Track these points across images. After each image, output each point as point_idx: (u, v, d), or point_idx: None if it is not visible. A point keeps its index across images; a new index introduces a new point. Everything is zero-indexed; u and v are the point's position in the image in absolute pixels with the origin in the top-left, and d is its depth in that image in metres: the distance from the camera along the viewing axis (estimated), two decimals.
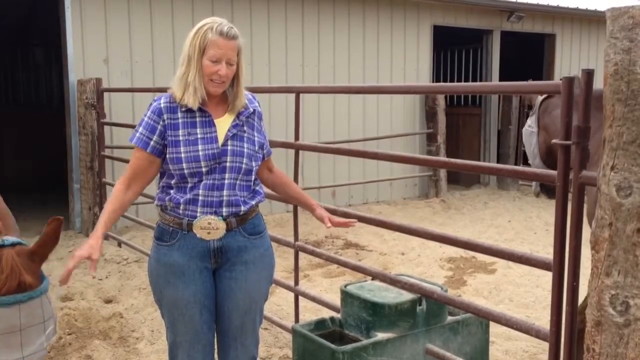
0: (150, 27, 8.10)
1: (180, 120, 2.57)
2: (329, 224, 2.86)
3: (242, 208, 2.62)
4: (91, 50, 7.73)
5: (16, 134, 10.92)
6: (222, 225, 2.58)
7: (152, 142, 2.56)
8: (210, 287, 2.66)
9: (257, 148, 2.68)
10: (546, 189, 4.36)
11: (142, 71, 8.06)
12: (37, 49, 13.74)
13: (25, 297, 2.01)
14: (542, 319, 4.83)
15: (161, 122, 2.56)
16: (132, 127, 7.16)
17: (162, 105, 2.58)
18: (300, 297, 4.35)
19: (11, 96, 13.69)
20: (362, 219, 3.68)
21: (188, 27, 9.07)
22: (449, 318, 3.38)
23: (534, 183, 4.50)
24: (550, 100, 4.12)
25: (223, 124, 2.61)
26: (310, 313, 4.94)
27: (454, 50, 12.19)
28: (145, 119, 2.59)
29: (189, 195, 2.56)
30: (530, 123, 4.25)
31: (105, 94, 7.34)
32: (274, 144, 4.07)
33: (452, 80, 12.19)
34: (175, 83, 2.58)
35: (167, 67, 8.15)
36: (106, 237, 7.10)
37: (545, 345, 2.56)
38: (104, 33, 7.80)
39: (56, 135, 9.51)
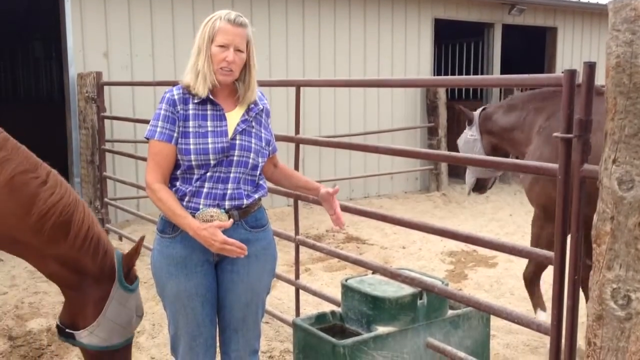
0: (150, 21, 8.08)
1: (191, 112, 2.57)
2: (333, 211, 2.83)
3: (245, 201, 2.63)
4: (91, 43, 7.71)
5: (16, 128, 10.90)
6: (224, 218, 2.57)
7: (175, 134, 2.56)
8: (212, 280, 2.66)
9: (263, 144, 2.70)
10: (478, 186, 4.90)
11: (142, 65, 8.04)
12: (37, 42, 13.71)
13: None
14: None
15: (176, 113, 2.57)
16: (133, 120, 7.18)
17: (175, 96, 2.59)
18: (301, 291, 4.36)
19: (11, 90, 13.67)
20: (363, 213, 3.67)
21: (188, 21, 9.04)
22: (450, 312, 3.37)
23: (468, 181, 5.30)
24: (487, 110, 4.97)
25: (233, 117, 2.63)
26: (311, 307, 4.94)
27: (455, 43, 12.15)
28: (162, 112, 2.58)
29: (193, 187, 2.57)
30: (472, 132, 4.96)
31: (106, 88, 7.33)
32: (275, 138, 4.06)
33: (453, 74, 12.17)
34: (187, 73, 2.59)
35: (167, 60, 8.14)
36: (107, 231, 7.14)
37: (547, 339, 2.56)
38: (104, 27, 7.78)
39: (57, 129, 9.50)
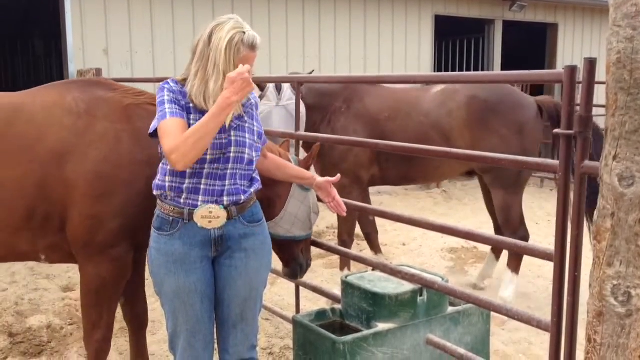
0: (150, 17, 8.07)
1: (191, 105, 2.56)
2: (331, 199, 2.98)
3: (242, 197, 2.64)
4: (91, 40, 7.71)
5: None
6: (223, 214, 2.58)
7: (184, 114, 2.52)
8: (211, 276, 2.67)
9: (256, 138, 2.70)
10: None
11: (142, 62, 8.04)
12: (37, 39, 13.70)
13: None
14: (543, 310, 4.83)
15: (180, 102, 2.54)
16: None
17: (173, 88, 2.57)
18: (301, 288, 4.35)
19: (11, 87, 13.65)
20: (363, 210, 3.67)
21: (188, 18, 8.97)
22: (450, 308, 3.37)
23: None
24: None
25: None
26: (311, 303, 4.95)
27: (455, 40, 12.15)
28: (166, 97, 2.53)
29: (190, 184, 2.56)
30: (289, 98, 4.87)
31: None
32: (275, 134, 4.05)
33: (453, 71, 12.16)
34: (193, 81, 2.52)
35: (167, 57, 8.13)
36: None
37: (547, 336, 2.56)
38: (104, 23, 7.78)
39: None
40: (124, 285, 3.13)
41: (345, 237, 5.27)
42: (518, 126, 4.98)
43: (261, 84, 4.94)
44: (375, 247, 5.53)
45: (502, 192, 5.01)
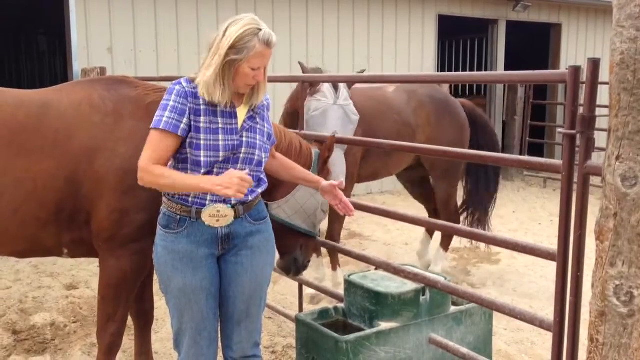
0: (154, 16, 8.08)
1: (202, 107, 2.55)
2: (338, 201, 2.97)
3: (250, 197, 2.65)
4: (95, 39, 7.72)
5: None
6: (230, 213, 2.59)
7: (182, 125, 2.52)
8: (216, 274, 2.68)
9: (265, 139, 2.72)
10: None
11: (146, 60, 8.05)
12: (41, 37, 13.72)
13: None
14: (546, 310, 4.84)
15: (188, 105, 2.54)
16: None
17: (185, 89, 2.56)
18: (304, 287, 4.36)
19: (15, 84, 13.70)
20: (366, 209, 3.67)
21: (192, 16, 8.93)
22: (453, 308, 3.38)
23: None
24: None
25: (239, 115, 2.64)
26: (314, 302, 4.95)
27: (459, 40, 12.14)
28: (171, 103, 2.53)
29: None
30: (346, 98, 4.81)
31: None
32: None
33: (457, 71, 12.15)
34: (203, 78, 2.52)
35: (171, 56, 8.14)
36: None
37: (549, 336, 2.57)
38: (108, 22, 7.79)
39: None
40: (142, 280, 3.19)
41: (337, 237, 5.28)
42: (461, 126, 5.62)
43: (314, 82, 4.84)
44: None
45: (446, 184, 5.68)
